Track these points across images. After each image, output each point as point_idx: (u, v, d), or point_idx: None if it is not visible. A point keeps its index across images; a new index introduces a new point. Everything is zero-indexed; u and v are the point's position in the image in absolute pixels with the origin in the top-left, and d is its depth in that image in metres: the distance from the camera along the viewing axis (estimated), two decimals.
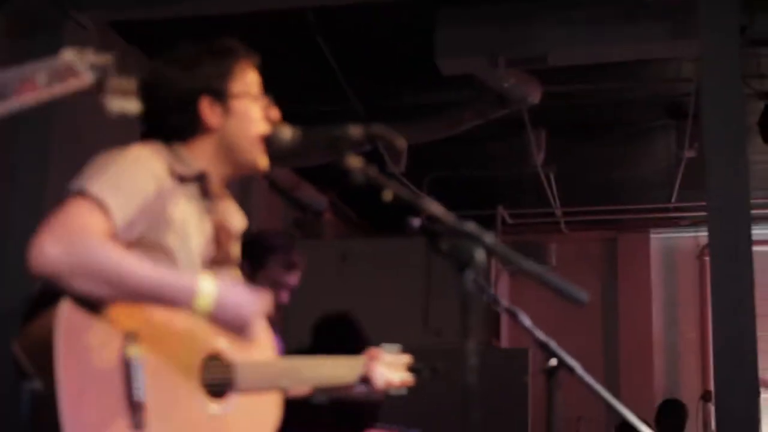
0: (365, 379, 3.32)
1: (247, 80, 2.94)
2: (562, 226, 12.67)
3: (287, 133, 2.90)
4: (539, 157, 9.55)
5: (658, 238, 13.22)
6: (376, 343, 3.54)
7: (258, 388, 2.87)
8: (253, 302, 2.64)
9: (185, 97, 2.82)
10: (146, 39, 7.19)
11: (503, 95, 7.86)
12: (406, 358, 3.54)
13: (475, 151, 9.95)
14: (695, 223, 12.26)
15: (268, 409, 2.94)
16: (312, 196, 11.18)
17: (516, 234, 12.52)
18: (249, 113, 2.90)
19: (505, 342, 11.25)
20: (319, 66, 7.63)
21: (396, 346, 3.48)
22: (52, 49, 6.41)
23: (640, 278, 12.96)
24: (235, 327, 2.61)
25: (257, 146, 2.91)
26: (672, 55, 7.50)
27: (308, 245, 11.25)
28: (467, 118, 8.34)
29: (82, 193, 2.47)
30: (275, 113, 2.95)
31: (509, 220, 12.39)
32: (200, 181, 2.82)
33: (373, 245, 10.82)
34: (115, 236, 2.48)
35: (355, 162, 2.80)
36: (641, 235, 13.13)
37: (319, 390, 3.25)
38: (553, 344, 2.89)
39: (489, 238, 2.45)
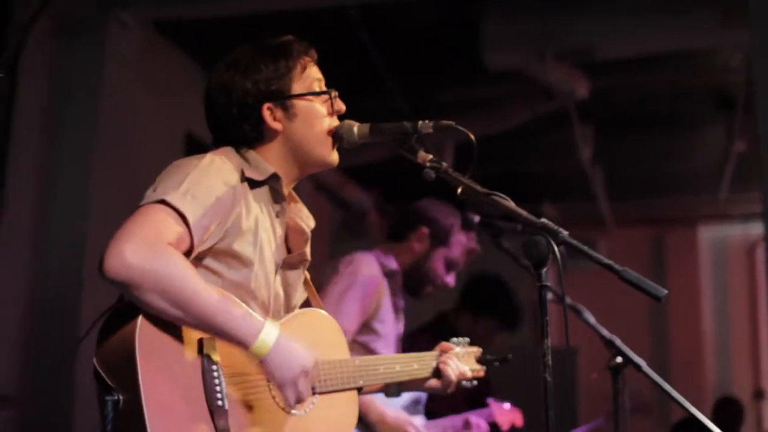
0: (438, 373, 3.30)
1: (309, 77, 2.87)
2: (610, 222, 12.53)
3: (355, 128, 2.84)
4: (586, 152, 9.46)
5: (707, 233, 13.05)
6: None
7: (337, 387, 2.85)
8: (305, 363, 2.57)
9: (245, 104, 2.78)
10: (191, 41, 7.17)
11: (550, 90, 7.78)
12: (476, 350, 3.50)
13: (521, 146, 9.85)
14: (746, 218, 12.07)
15: (347, 408, 2.93)
16: (357, 195, 11.14)
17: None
18: (313, 111, 2.84)
19: (554, 340, 11.15)
20: (363, 62, 7.58)
21: (465, 339, 3.46)
22: (95, 49, 6.46)
23: (690, 274, 12.79)
24: (279, 383, 2.55)
25: (325, 143, 2.85)
26: (721, 44, 7.40)
27: (354, 245, 11.21)
28: (514, 113, 8.27)
29: (161, 203, 2.44)
30: (341, 106, 2.89)
31: (556, 217, 12.26)
32: (272, 183, 2.78)
33: None
34: (192, 246, 2.47)
35: (426, 157, 2.75)
36: (690, 230, 12.96)
37: (392, 385, 3.22)
38: (618, 341, 2.83)
39: (563, 233, 2.40)
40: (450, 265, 4.58)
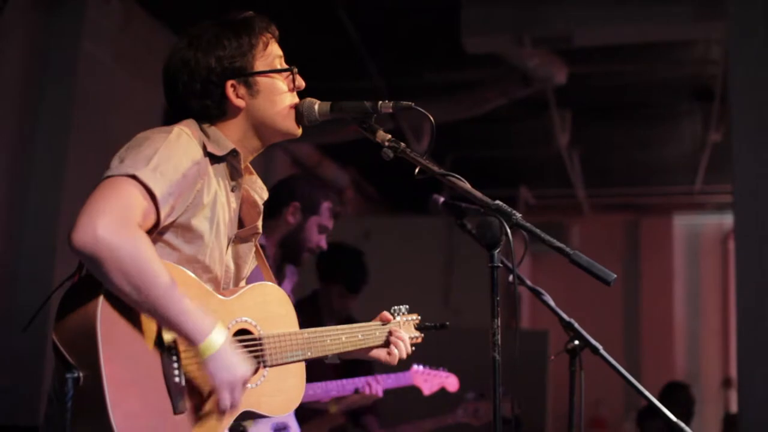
0: (387, 344, 3.35)
1: (270, 54, 2.89)
2: (585, 208, 12.62)
3: (316, 105, 2.88)
4: (563, 138, 9.51)
5: (681, 222, 13.15)
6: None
7: (286, 360, 2.90)
8: (244, 373, 2.59)
9: (209, 81, 2.78)
10: (171, 14, 7.15)
11: (527, 75, 7.82)
12: (414, 318, 3.58)
13: (498, 130, 9.90)
14: (720, 208, 12.17)
15: (296, 379, 2.98)
16: (334, 173, 11.17)
17: (538, 215, 12.51)
18: (275, 88, 2.86)
19: (525, 323, 11.25)
20: (342, 42, 7.59)
21: (405, 307, 3.52)
22: (73, 21, 6.40)
23: (663, 262, 12.90)
24: (218, 384, 2.55)
25: (288, 116, 2.88)
26: (698, 36, 7.45)
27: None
28: (490, 97, 8.30)
29: (130, 177, 2.45)
30: (301, 82, 2.92)
31: (532, 201, 12.36)
32: (230, 159, 2.80)
33: (395, 223, 10.83)
34: (158, 222, 2.50)
35: (385, 136, 2.79)
36: (665, 218, 13.07)
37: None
38: (576, 324, 2.88)
39: (517, 215, 2.45)
40: (321, 230, 4.85)
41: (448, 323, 3.59)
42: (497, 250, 2.48)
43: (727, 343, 12.35)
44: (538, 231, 2.51)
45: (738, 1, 6.01)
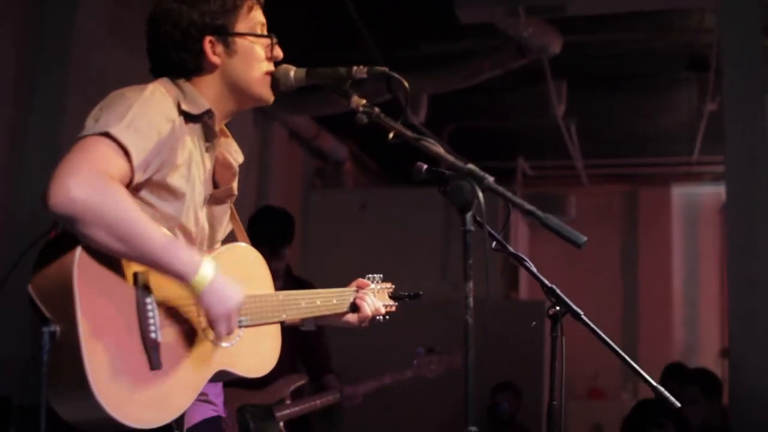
0: (355, 308, 3.42)
1: (253, 19, 2.92)
2: (583, 178, 12.62)
3: (292, 72, 2.91)
4: (560, 109, 9.51)
5: (680, 192, 13.15)
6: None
7: (261, 321, 2.93)
8: (238, 298, 2.66)
9: (188, 34, 2.81)
10: None
11: (522, 45, 7.82)
12: (389, 286, 3.65)
13: (495, 101, 9.90)
14: (717, 178, 12.17)
15: (271, 341, 3.01)
16: (332, 145, 11.18)
17: (536, 186, 12.53)
18: (252, 52, 2.89)
19: (524, 294, 11.27)
20: (339, 14, 7.59)
21: (379, 276, 3.59)
22: (65, 8, 6.31)
23: (661, 233, 12.91)
24: (214, 317, 2.62)
25: (262, 83, 2.91)
26: (692, 5, 7.43)
27: (328, 194, 11.29)
28: (486, 67, 8.30)
29: (104, 135, 2.47)
30: (279, 52, 2.95)
31: (530, 172, 12.37)
32: (205, 119, 2.82)
33: (393, 195, 10.84)
34: (132, 179, 2.51)
35: (359, 102, 2.81)
36: (663, 189, 13.06)
37: (309, 318, 3.32)
38: (558, 290, 2.91)
39: (489, 179, 2.48)
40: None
41: (421, 293, 3.65)
42: (469, 213, 2.50)
43: (726, 312, 12.35)
44: (509, 194, 2.53)
45: None
